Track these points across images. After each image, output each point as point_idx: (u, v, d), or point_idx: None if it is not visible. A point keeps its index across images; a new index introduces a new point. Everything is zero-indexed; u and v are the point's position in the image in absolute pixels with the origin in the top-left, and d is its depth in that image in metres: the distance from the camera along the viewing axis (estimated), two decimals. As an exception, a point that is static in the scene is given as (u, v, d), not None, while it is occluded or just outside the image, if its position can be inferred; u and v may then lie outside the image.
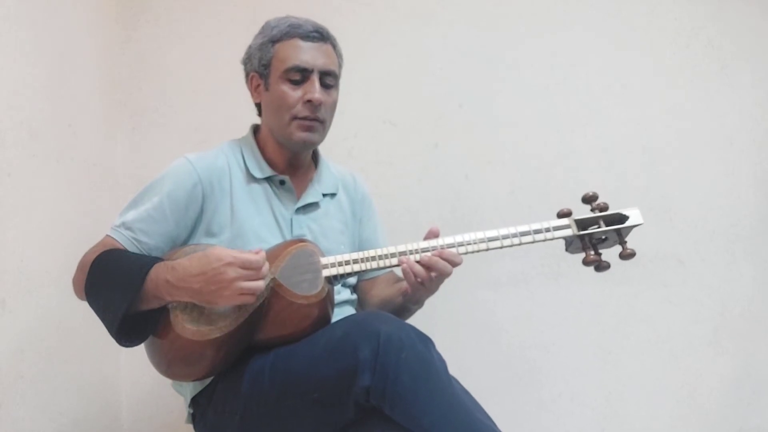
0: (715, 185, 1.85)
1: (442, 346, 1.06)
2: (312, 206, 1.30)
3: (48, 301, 1.48)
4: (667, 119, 1.86)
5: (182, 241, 1.21)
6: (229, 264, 1.02)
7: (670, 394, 1.82)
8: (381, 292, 1.35)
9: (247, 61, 1.29)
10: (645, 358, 1.83)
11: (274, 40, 1.23)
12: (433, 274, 1.14)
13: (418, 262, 1.14)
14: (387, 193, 1.79)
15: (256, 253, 1.06)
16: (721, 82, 1.87)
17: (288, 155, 1.28)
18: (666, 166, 1.85)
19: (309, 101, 1.20)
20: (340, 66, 1.29)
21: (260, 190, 1.25)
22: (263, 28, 1.27)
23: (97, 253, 1.13)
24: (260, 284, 1.05)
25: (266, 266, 1.07)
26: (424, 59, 1.88)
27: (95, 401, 1.69)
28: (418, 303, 1.27)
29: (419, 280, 1.14)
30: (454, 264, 1.15)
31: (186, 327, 1.07)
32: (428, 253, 1.15)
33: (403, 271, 1.15)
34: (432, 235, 1.18)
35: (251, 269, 1.03)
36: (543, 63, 1.87)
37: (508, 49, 1.88)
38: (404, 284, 1.20)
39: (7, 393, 1.35)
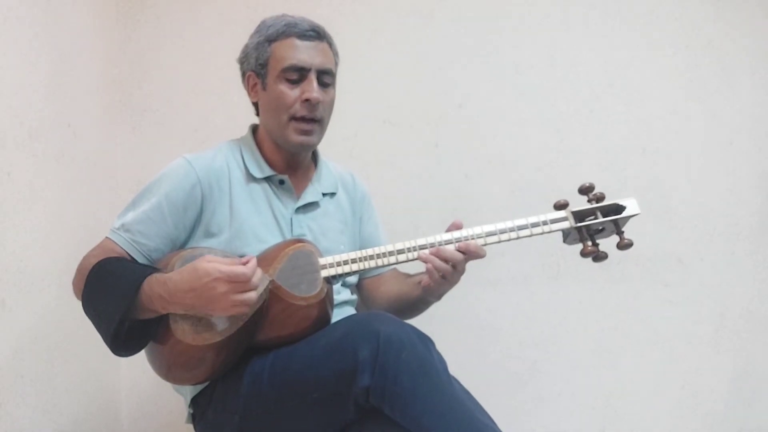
0: (715, 185, 1.85)
1: (442, 346, 1.06)
2: (312, 206, 1.29)
3: (48, 301, 1.48)
4: (667, 119, 1.86)
5: (182, 242, 1.21)
6: (217, 279, 1.00)
7: (670, 394, 1.82)
8: (393, 288, 1.34)
9: (243, 60, 1.28)
10: (645, 357, 1.83)
11: (271, 39, 1.22)
12: (458, 259, 1.13)
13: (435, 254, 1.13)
14: (387, 193, 1.79)
15: (246, 262, 1.04)
16: (721, 82, 1.87)
17: (286, 155, 1.28)
18: (666, 166, 1.85)
19: (307, 100, 1.20)
20: (336, 64, 1.29)
21: (260, 190, 1.25)
22: (259, 26, 1.26)
23: (96, 258, 1.12)
24: (252, 296, 1.03)
25: (258, 274, 1.04)
26: (424, 59, 1.88)
27: (95, 401, 1.69)
28: (439, 297, 1.24)
29: (441, 274, 1.13)
30: (476, 256, 1.14)
31: (186, 332, 1.06)
32: (452, 246, 1.14)
33: (428, 270, 1.14)
34: (455, 227, 1.18)
35: (239, 282, 1.01)
36: (543, 63, 1.87)
37: (508, 49, 1.88)
38: (424, 278, 1.17)
39: (7, 393, 1.35)
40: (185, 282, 1.03)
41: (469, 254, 1.14)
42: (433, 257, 1.13)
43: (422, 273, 1.20)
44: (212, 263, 1.02)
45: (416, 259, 1.17)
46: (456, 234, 1.17)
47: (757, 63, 1.87)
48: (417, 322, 1.15)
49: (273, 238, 1.21)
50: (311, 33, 1.22)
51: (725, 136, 1.86)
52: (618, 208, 1.17)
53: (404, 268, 1.35)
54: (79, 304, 1.14)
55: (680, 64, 1.87)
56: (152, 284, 1.06)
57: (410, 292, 1.28)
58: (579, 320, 1.84)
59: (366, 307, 1.40)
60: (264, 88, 1.25)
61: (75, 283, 1.17)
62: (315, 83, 1.21)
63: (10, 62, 1.39)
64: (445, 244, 1.16)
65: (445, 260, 1.13)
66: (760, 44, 1.87)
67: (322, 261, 1.15)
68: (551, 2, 1.88)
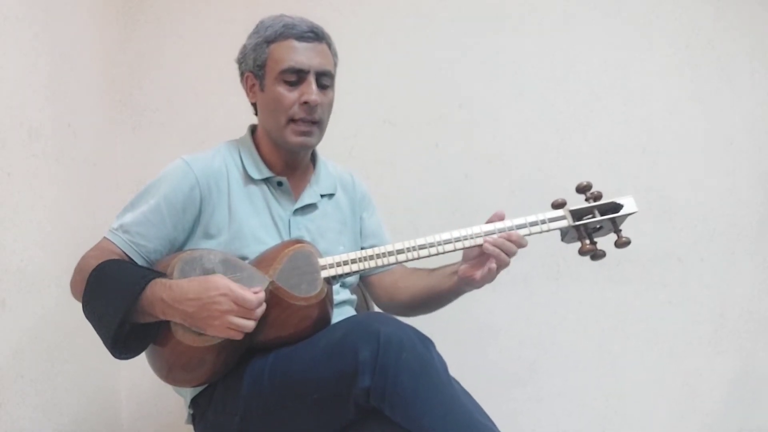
0: (715, 185, 1.85)
1: (441, 346, 1.06)
2: (310, 207, 1.29)
3: (48, 301, 1.48)
4: (667, 119, 1.86)
5: (180, 243, 1.20)
6: (224, 295, 1.01)
7: (670, 394, 1.83)
8: (418, 281, 1.32)
9: (241, 60, 1.27)
10: (645, 358, 1.83)
11: (269, 41, 1.21)
12: (515, 250, 1.15)
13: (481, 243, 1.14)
14: (387, 193, 1.79)
15: (256, 292, 1.04)
16: (721, 82, 1.87)
17: (285, 156, 1.27)
18: (666, 166, 1.85)
19: (306, 103, 1.19)
20: (335, 65, 1.28)
21: (258, 192, 1.25)
22: (257, 27, 1.25)
23: (95, 260, 1.12)
24: (250, 324, 1.03)
25: (263, 308, 1.05)
26: (424, 59, 1.88)
27: (95, 401, 1.69)
28: (480, 286, 1.22)
29: (498, 264, 1.14)
30: (520, 245, 1.15)
31: (186, 333, 1.07)
32: (494, 236, 1.15)
33: (491, 253, 1.14)
34: (497, 218, 1.18)
35: (244, 308, 1.02)
36: (543, 63, 1.87)
37: (509, 49, 1.88)
38: (461, 267, 1.18)
39: (7, 393, 1.35)
40: (192, 290, 1.03)
41: (515, 243, 1.15)
42: (498, 250, 1.14)
43: (455, 264, 1.21)
44: (224, 280, 1.04)
45: (417, 258, 1.17)
46: (455, 233, 1.17)
47: (757, 63, 1.87)
48: (417, 322, 1.15)
49: (271, 240, 1.21)
50: (310, 34, 1.21)
51: (725, 136, 1.86)
52: (615, 207, 1.18)
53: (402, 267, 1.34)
54: (79, 303, 1.14)
55: (680, 64, 1.87)
56: (155, 288, 1.05)
57: (440, 285, 1.27)
58: (579, 320, 1.84)
59: (381, 302, 1.39)
60: (262, 89, 1.24)
61: (74, 284, 1.17)
62: (314, 85, 1.20)
63: (10, 62, 1.39)
64: (444, 243, 1.16)
65: (507, 252, 1.14)
66: (760, 44, 1.88)
67: (321, 261, 1.15)
68: (551, 2, 1.88)
